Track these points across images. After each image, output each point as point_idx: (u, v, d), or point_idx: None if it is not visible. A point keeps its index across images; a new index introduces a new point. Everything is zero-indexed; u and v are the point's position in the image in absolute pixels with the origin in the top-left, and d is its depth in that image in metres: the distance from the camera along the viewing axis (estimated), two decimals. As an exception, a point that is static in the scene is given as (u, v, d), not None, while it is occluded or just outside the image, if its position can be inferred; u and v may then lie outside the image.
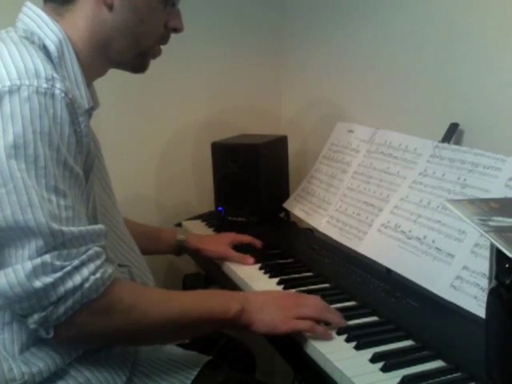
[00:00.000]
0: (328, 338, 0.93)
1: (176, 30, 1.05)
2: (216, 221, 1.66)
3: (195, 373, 0.98)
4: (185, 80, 1.86)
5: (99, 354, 0.91)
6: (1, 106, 0.79)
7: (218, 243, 1.41)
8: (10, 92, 0.79)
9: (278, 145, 1.73)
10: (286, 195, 1.70)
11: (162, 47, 1.07)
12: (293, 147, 1.78)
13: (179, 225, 1.73)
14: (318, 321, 0.96)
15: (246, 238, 1.44)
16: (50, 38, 0.90)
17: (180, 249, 1.44)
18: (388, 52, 1.51)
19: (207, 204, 1.77)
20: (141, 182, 1.86)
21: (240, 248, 1.39)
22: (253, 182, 1.59)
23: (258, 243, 1.42)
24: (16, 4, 0.98)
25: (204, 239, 1.46)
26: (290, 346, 0.97)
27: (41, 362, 0.86)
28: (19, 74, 0.80)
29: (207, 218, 1.73)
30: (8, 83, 0.79)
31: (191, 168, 1.92)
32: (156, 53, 1.06)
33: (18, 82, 0.80)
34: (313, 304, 1.00)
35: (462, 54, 1.26)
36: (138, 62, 1.05)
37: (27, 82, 0.80)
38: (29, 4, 0.95)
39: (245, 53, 1.96)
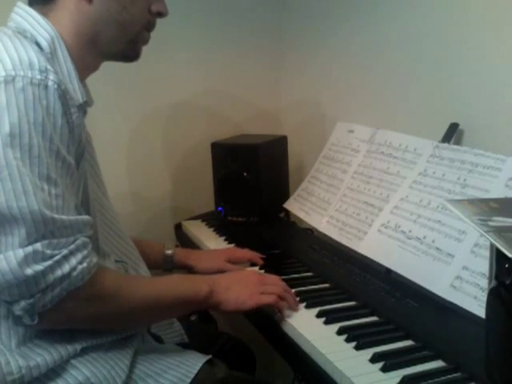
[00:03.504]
0: (294, 310, 1.04)
1: (160, 14, 1.05)
2: (216, 221, 1.67)
3: (195, 371, 0.98)
4: (185, 80, 1.86)
5: (98, 353, 0.92)
6: None
7: (212, 259, 1.32)
8: (6, 82, 0.80)
9: (278, 145, 1.73)
10: (286, 195, 1.70)
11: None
12: (293, 147, 1.78)
13: (179, 225, 1.73)
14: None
15: (246, 255, 1.34)
16: (42, 35, 0.91)
17: (168, 264, 1.33)
18: (388, 52, 1.51)
19: (207, 204, 1.77)
20: (140, 182, 1.86)
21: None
22: (253, 182, 1.59)
23: (258, 260, 1.32)
24: (8, 5, 0.99)
25: (197, 256, 1.35)
26: (290, 346, 0.97)
27: (38, 356, 0.86)
28: (14, 65, 0.82)
29: (207, 218, 1.73)
30: (3, 73, 0.81)
31: (191, 168, 1.92)
32: (145, 39, 1.06)
33: (12, 73, 0.81)
34: (275, 283, 1.09)
35: (461, 53, 1.26)
36: (129, 50, 1.04)
37: (22, 73, 0.82)
38: (20, 4, 0.96)
39: (245, 53, 1.95)
